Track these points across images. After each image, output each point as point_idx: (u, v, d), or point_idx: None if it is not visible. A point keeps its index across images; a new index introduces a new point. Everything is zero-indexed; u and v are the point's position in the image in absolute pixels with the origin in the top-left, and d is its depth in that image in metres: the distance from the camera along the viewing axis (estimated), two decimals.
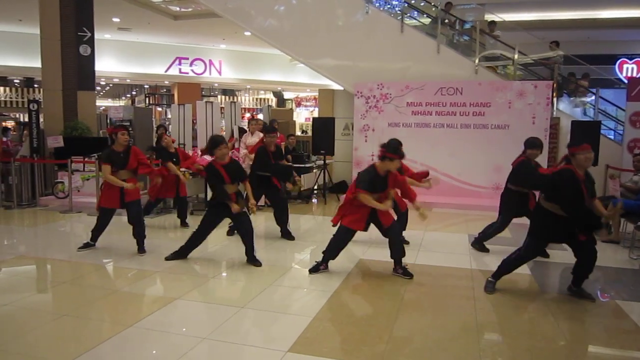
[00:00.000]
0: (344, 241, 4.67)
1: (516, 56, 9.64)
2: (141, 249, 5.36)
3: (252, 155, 6.34)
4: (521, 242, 4.31)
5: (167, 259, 5.07)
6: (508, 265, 4.27)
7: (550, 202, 3.97)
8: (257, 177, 5.94)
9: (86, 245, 5.45)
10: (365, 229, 4.68)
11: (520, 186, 5.23)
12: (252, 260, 4.97)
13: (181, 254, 5.10)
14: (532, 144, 5.18)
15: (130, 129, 9.28)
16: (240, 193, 5.02)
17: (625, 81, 11.85)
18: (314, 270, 4.70)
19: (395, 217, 5.05)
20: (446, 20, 10.33)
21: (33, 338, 3.26)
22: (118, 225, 6.04)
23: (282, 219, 6.12)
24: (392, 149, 4.44)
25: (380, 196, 4.53)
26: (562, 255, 5.25)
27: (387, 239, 4.66)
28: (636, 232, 5.54)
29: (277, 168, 6.10)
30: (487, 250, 5.62)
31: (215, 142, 4.79)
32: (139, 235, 5.36)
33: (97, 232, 5.44)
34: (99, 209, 5.41)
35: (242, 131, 9.30)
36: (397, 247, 4.63)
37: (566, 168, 3.91)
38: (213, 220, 5.01)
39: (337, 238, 4.66)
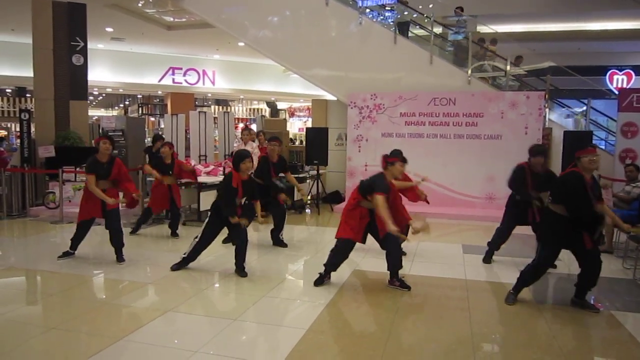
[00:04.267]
0: (344, 254, 4.60)
1: (508, 67, 9.74)
2: (120, 258, 5.36)
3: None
4: (523, 251, 4.29)
5: (172, 269, 5.03)
6: (525, 276, 4.22)
7: (557, 204, 3.97)
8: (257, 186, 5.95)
9: (66, 254, 5.42)
10: (363, 241, 4.62)
11: (512, 191, 5.24)
12: (239, 270, 4.93)
13: (185, 262, 5.07)
14: (536, 151, 5.12)
15: (123, 138, 9.27)
16: (247, 207, 4.98)
17: (616, 92, 11.96)
18: (319, 282, 4.62)
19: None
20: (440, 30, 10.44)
21: (20, 353, 3.18)
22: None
23: (279, 226, 6.16)
24: (393, 154, 4.63)
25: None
26: (558, 265, 5.23)
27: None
28: (629, 242, 5.54)
29: (270, 184, 6.06)
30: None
31: (241, 157, 4.84)
32: (117, 243, 5.36)
33: (76, 241, 5.45)
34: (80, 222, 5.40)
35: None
36: (395, 259, 4.55)
37: (573, 171, 3.93)
38: (215, 230, 5.00)
39: (336, 251, 4.59)
